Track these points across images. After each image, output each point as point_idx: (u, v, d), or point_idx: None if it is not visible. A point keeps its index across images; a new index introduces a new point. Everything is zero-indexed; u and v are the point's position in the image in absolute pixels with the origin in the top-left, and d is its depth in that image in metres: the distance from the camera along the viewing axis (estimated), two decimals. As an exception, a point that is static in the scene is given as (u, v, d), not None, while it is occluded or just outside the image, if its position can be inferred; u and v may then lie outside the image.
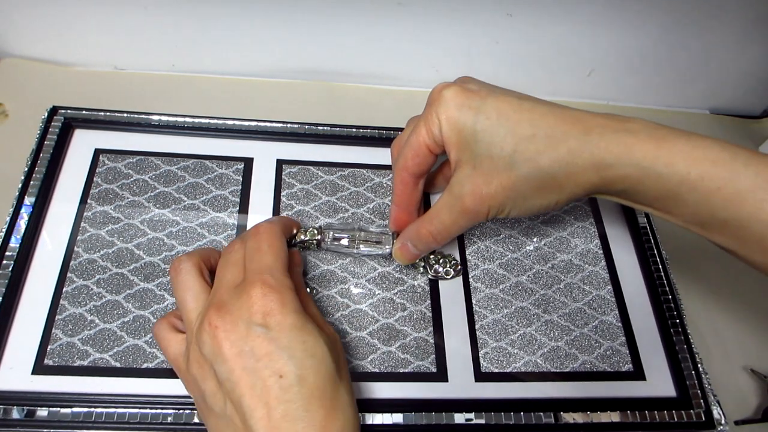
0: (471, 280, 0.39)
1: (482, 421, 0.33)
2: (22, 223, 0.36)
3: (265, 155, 0.42)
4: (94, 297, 0.35)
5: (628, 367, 0.36)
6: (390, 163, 0.43)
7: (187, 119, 0.42)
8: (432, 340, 0.36)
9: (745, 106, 0.57)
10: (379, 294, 0.37)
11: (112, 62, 0.50)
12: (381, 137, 0.44)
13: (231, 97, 0.50)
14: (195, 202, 0.40)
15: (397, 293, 0.37)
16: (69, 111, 0.42)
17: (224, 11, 0.46)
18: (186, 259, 0.31)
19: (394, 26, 0.48)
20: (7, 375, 0.32)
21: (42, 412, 0.31)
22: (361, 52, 0.50)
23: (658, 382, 0.36)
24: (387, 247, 0.36)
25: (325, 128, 0.44)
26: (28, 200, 0.37)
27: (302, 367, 0.26)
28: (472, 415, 0.33)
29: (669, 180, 0.27)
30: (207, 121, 0.43)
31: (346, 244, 0.36)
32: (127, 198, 0.39)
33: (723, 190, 0.26)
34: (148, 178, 0.40)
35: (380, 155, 0.43)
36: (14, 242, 0.35)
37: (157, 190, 0.40)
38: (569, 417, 0.34)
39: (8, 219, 0.36)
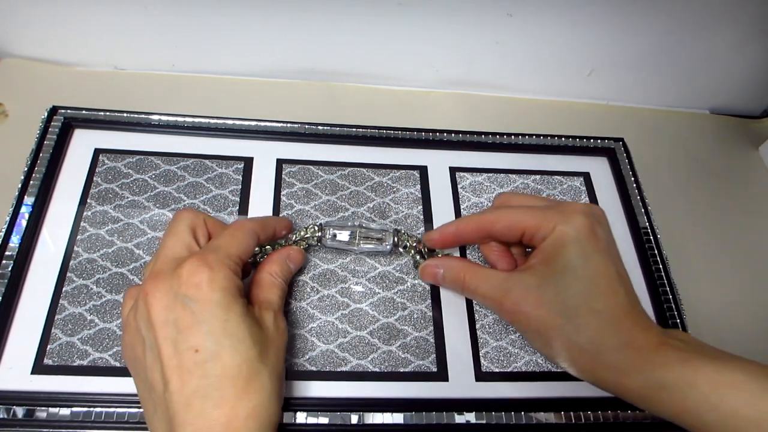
0: (471, 279, 0.38)
1: (482, 421, 0.33)
2: (22, 222, 0.36)
3: (265, 155, 0.42)
4: (94, 296, 0.35)
5: (628, 366, 0.36)
6: (389, 163, 0.43)
7: (187, 119, 0.42)
8: (432, 340, 0.36)
9: (745, 106, 0.57)
10: (379, 293, 0.37)
11: (112, 62, 0.50)
12: (381, 137, 0.44)
13: (231, 97, 0.50)
14: (195, 201, 0.40)
15: (397, 292, 0.37)
16: (69, 111, 0.41)
17: (224, 11, 0.46)
18: (188, 214, 0.32)
19: (394, 26, 0.48)
20: (7, 374, 0.32)
21: (41, 412, 0.31)
22: (361, 52, 0.50)
23: (659, 382, 0.36)
24: (387, 243, 0.36)
25: (325, 128, 0.43)
26: (28, 200, 0.37)
27: (219, 344, 0.26)
28: (472, 415, 0.33)
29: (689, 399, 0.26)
30: (207, 120, 0.43)
31: (347, 240, 0.36)
32: (127, 198, 0.39)
33: (741, 412, 0.25)
34: (148, 177, 0.40)
35: (380, 154, 0.43)
36: (14, 242, 0.35)
37: (157, 190, 0.40)
38: (570, 416, 0.33)
39: (8, 219, 0.36)
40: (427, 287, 0.38)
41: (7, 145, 0.44)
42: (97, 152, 0.41)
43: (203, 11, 0.46)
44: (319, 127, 0.43)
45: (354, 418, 0.32)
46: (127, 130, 0.42)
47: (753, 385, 0.25)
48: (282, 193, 0.41)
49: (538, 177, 0.44)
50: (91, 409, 0.31)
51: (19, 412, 0.31)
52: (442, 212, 0.41)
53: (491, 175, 0.44)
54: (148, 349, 0.27)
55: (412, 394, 0.34)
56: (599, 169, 0.46)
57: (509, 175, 0.44)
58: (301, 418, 0.32)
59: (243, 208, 0.40)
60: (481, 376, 0.35)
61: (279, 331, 0.30)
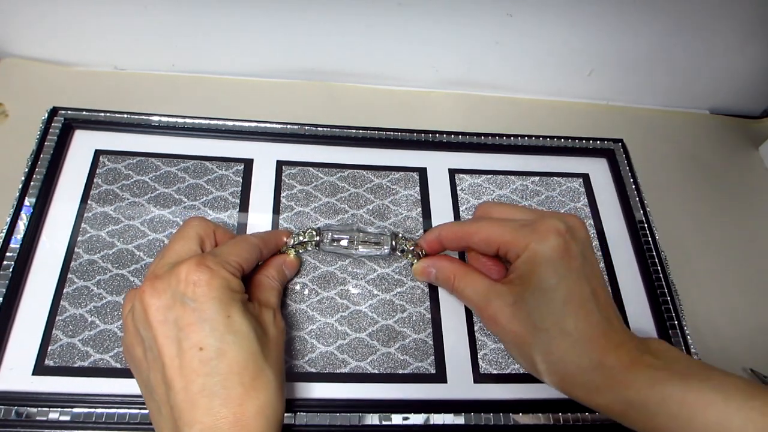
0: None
1: (480, 422, 0.33)
2: (23, 224, 0.36)
3: (265, 156, 0.42)
4: (95, 298, 0.35)
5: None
6: (389, 165, 0.43)
7: (187, 120, 0.42)
8: (431, 342, 0.36)
9: (745, 106, 0.57)
10: (378, 295, 0.37)
11: (112, 62, 0.50)
12: (381, 138, 0.44)
13: (231, 97, 0.50)
14: (195, 203, 0.40)
15: (396, 295, 0.38)
16: (69, 112, 0.42)
17: (224, 11, 0.46)
18: (199, 222, 0.32)
19: (394, 26, 0.47)
20: (8, 376, 0.32)
21: (42, 413, 0.31)
22: (361, 52, 0.50)
23: (657, 383, 0.36)
24: (385, 247, 0.36)
25: (325, 129, 0.44)
26: (29, 201, 0.37)
27: (223, 341, 0.26)
28: (471, 416, 0.33)
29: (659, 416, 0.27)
30: (207, 121, 0.43)
31: (345, 245, 0.36)
32: (128, 199, 0.39)
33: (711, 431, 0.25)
34: (149, 179, 0.40)
35: (380, 156, 0.43)
36: (14, 243, 0.36)
37: (158, 191, 0.40)
38: (568, 418, 0.34)
39: (8, 220, 0.36)
40: (426, 290, 0.38)
41: (7, 145, 0.44)
42: (98, 153, 0.41)
43: (203, 11, 0.46)
44: (319, 129, 0.43)
45: (354, 420, 0.32)
46: (128, 131, 0.42)
47: (722, 405, 0.25)
48: (282, 194, 0.41)
49: (537, 179, 0.44)
50: (92, 410, 0.31)
51: (20, 413, 0.31)
52: (442, 214, 0.41)
53: (490, 176, 0.44)
54: (147, 349, 0.27)
55: (411, 395, 0.34)
56: (598, 170, 0.46)
57: (508, 176, 0.44)
58: (301, 419, 0.32)
59: (243, 209, 0.40)
60: (479, 377, 0.35)
61: (279, 330, 0.30)
